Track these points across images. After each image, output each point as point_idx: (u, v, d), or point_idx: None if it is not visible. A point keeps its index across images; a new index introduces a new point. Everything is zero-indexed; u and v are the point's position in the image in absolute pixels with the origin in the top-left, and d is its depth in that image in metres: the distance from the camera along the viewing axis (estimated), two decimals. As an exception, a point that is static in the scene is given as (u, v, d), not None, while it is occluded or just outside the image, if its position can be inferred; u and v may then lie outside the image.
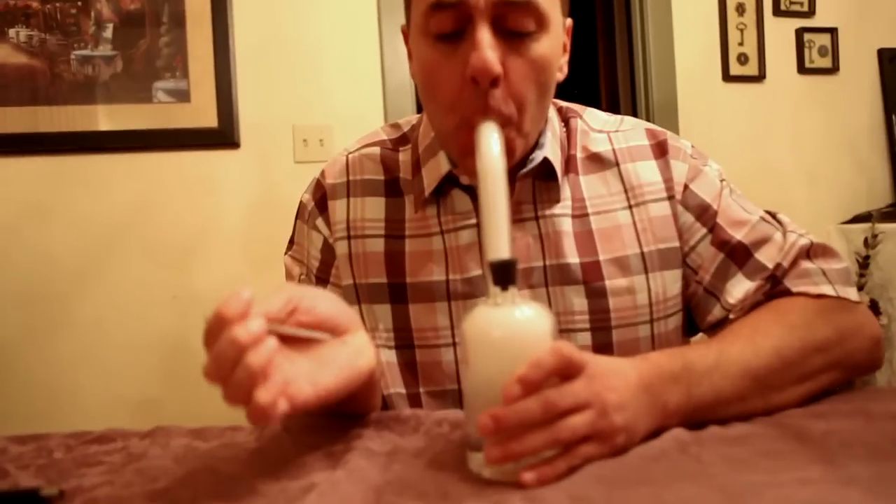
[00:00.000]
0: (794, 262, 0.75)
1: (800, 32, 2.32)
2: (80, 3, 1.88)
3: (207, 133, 1.93)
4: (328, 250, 0.83)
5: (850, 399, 0.64)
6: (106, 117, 1.89)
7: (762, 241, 0.77)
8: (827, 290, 0.73)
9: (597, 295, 0.76)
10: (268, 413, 0.46)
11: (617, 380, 0.52)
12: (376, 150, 0.85)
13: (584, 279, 0.76)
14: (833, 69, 2.35)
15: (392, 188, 0.83)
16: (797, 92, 2.34)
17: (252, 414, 0.47)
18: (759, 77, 2.29)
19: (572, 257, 0.77)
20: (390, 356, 0.78)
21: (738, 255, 0.77)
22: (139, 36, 1.90)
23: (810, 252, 0.76)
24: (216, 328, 0.48)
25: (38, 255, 1.87)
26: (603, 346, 0.76)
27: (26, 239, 1.87)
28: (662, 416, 0.55)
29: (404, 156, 0.84)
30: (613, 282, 0.76)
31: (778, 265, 0.75)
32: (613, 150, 0.82)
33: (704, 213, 0.79)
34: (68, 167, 1.89)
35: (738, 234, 0.77)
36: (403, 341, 0.78)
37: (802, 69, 2.33)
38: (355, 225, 0.81)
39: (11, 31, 1.84)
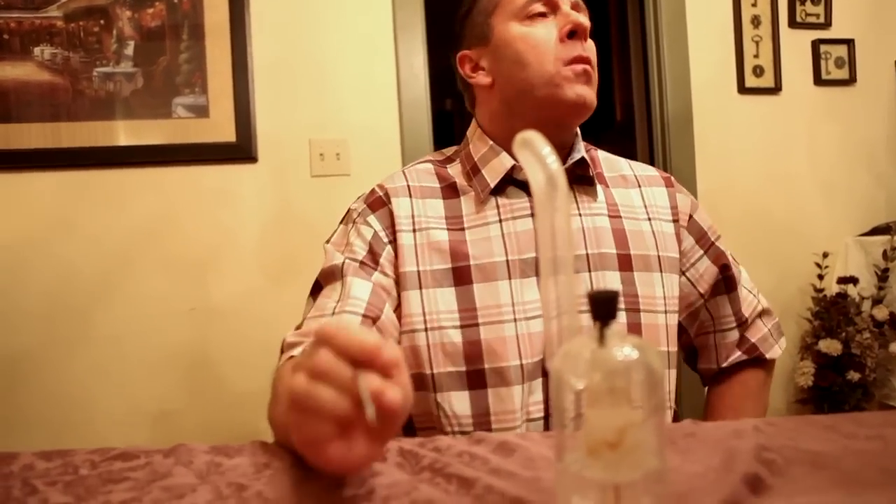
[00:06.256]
0: (754, 321, 1.03)
1: (816, 44, 2.32)
2: (102, 22, 1.92)
3: (225, 147, 1.96)
4: (377, 241, 0.90)
5: (866, 422, 0.64)
6: (126, 133, 1.93)
7: (737, 283, 1.02)
8: (775, 353, 1.03)
9: (628, 282, 0.89)
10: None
11: None
12: (429, 165, 0.98)
13: (620, 267, 0.89)
14: (850, 81, 2.34)
15: (448, 191, 0.94)
16: (813, 104, 2.33)
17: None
18: (775, 89, 2.29)
19: (610, 248, 0.90)
20: (454, 336, 0.85)
21: (730, 283, 1.01)
22: (159, 52, 1.93)
23: (762, 314, 1.04)
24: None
25: (59, 268, 1.90)
26: (633, 326, 0.88)
27: (47, 252, 1.90)
28: None
29: (454, 169, 0.97)
30: (641, 273, 0.90)
31: (745, 319, 1.02)
32: (635, 175, 1.00)
33: (703, 238, 0.99)
34: (89, 182, 1.92)
35: (729, 260, 1.01)
36: (468, 321, 0.86)
37: (819, 81, 2.33)
38: (419, 220, 0.91)
39: (36, 50, 1.88)
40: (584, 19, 0.88)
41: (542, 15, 0.89)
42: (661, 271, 0.92)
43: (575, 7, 0.91)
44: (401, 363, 0.50)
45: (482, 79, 0.94)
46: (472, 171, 0.94)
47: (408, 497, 0.51)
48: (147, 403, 1.92)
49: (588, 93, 0.88)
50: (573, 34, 0.88)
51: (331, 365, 0.46)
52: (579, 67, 0.87)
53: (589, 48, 0.90)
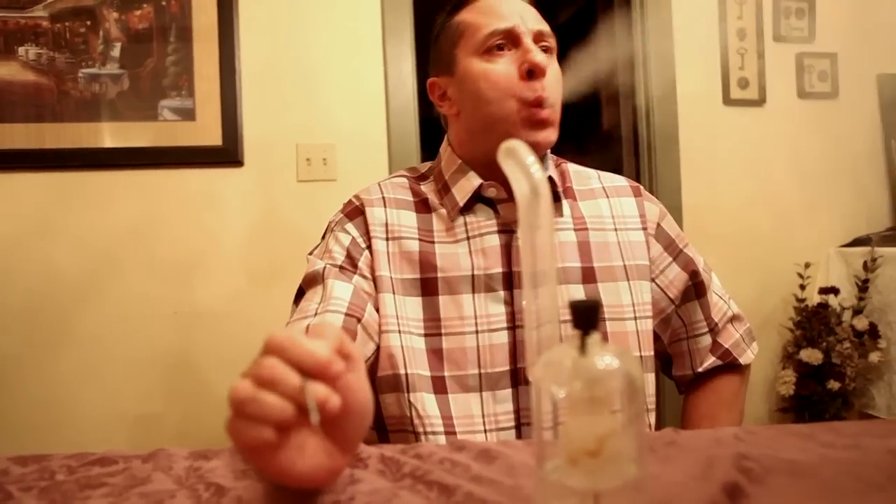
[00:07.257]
0: (725, 326, 1.05)
1: (800, 57, 2.35)
2: (89, 23, 1.91)
3: (212, 151, 1.95)
4: (355, 247, 0.93)
5: (844, 431, 0.64)
6: (112, 135, 1.91)
7: (707, 289, 1.04)
8: (748, 358, 1.05)
9: (591, 294, 0.93)
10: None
11: None
12: (403, 180, 1.02)
13: (583, 280, 0.93)
14: (833, 94, 2.37)
15: (421, 206, 0.98)
16: (797, 116, 2.35)
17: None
18: (760, 101, 2.32)
19: (573, 262, 0.93)
20: (419, 343, 0.89)
21: (699, 289, 1.03)
22: (146, 55, 1.92)
23: (733, 319, 1.06)
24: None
25: (42, 270, 1.88)
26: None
27: (30, 253, 1.88)
28: None
29: (427, 186, 1.00)
30: (605, 284, 0.94)
31: (716, 324, 1.04)
32: (603, 186, 1.03)
33: (671, 245, 1.02)
34: (73, 183, 1.91)
35: (698, 267, 1.03)
36: (432, 330, 0.90)
37: (802, 94, 2.35)
38: (393, 229, 0.95)
39: (21, 50, 1.87)
40: (541, 57, 0.88)
41: (502, 47, 0.90)
42: (627, 279, 0.95)
43: (538, 37, 0.91)
44: (359, 364, 0.51)
45: (448, 109, 0.98)
46: (444, 190, 0.97)
47: (388, 504, 0.51)
48: (129, 406, 1.90)
49: (544, 137, 0.89)
50: (531, 73, 0.88)
51: (278, 373, 0.46)
52: (537, 116, 0.88)
53: (550, 80, 0.89)
